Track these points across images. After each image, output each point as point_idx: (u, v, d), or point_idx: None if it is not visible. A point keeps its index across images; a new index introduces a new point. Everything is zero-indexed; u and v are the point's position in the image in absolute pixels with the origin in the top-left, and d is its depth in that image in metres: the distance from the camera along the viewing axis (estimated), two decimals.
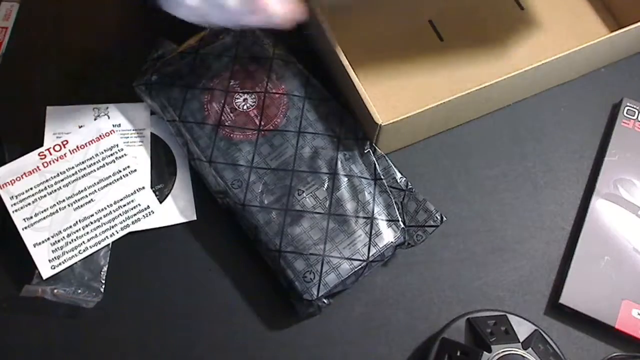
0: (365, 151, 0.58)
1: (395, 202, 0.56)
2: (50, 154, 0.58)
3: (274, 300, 0.55)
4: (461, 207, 0.60)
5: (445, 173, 0.62)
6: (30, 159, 0.58)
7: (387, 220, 0.55)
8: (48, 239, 0.55)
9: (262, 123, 0.59)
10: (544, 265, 0.58)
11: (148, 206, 0.58)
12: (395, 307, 0.56)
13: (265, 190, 0.56)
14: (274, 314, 0.55)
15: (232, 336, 0.54)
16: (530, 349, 0.49)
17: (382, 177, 0.57)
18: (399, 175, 0.57)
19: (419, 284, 0.57)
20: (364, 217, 0.55)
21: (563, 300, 0.55)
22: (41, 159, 0.58)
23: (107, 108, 0.62)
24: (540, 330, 0.52)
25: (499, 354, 0.49)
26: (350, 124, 0.59)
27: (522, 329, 0.51)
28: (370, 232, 0.54)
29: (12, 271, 0.55)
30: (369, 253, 0.54)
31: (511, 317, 0.52)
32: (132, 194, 0.58)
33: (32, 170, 0.57)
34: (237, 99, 0.60)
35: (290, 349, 0.54)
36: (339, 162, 0.57)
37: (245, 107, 0.60)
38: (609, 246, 0.57)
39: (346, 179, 0.57)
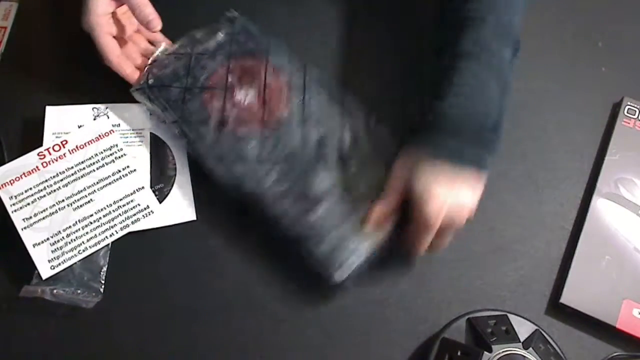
0: (373, 127, 0.58)
1: None
2: (50, 154, 0.58)
3: (274, 300, 0.55)
4: None
5: None
6: (29, 159, 0.58)
7: None
8: (47, 239, 0.55)
9: (266, 115, 0.59)
10: (544, 265, 0.57)
11: (148, 206, 0.58)
12: (395, 307, 0.55)
13: (277, 180, 0.56)
14: (275, 314, 0.55)
15: (232, 336, 0.54)
16: (530, 348, 0.49)
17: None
18: None
19: (419, 284, 0.57)
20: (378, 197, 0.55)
21: (564, 300, 0.55)
22: (40, 159, 0.58)
23: (107, 108, 0.62)
24: (541, 330, 0.52)
25: (499, 353, 0.49)
26: (353, 104, 0.59)
27: (523, 328, 0.51)
28: None
29: (11, 271, 0.55)
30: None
31: (512, 317, 0.52)
32: (131, 193, 0.58)
33: (32, 170, 0.57)
34: (238, 94, 0.60)
35: (291, 349, 0.54)
36: (346, 145, 0.57)
37: (246, 101, 0.59)
38: (609, 246, 0.57)
39: (355, 160, 0.57)
